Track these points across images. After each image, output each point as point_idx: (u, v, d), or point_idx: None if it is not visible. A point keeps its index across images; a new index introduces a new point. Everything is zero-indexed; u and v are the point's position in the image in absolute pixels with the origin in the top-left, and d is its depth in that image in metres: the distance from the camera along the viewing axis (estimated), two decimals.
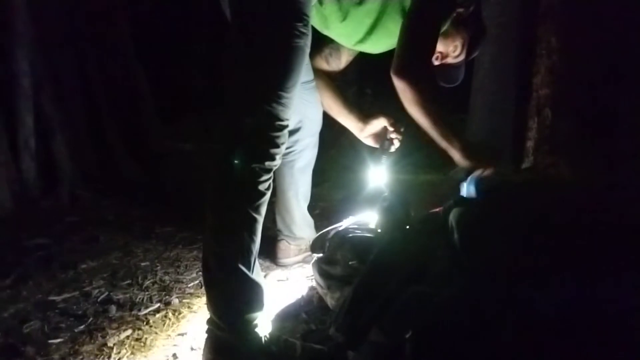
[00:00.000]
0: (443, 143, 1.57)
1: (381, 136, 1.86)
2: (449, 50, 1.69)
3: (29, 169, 2.80)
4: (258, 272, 1.42)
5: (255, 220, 1.37)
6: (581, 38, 1.18)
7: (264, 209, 1.39)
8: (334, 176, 2.83)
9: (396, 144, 1.83)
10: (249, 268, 1.37)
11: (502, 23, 2.78)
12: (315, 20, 1.57)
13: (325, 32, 1.69)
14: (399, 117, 1.76)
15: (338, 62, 1.87)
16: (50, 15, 2.94)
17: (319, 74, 1.86)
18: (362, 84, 3.62)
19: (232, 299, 1.38)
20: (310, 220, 2.07)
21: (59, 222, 2.57)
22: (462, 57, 1.72)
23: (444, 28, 1.62)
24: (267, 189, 1.38)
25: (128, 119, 3.28)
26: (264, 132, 1.33)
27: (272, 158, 1.35)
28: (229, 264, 1.35)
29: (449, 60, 1.72)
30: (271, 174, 1.38)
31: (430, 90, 1.50)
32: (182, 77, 3.88)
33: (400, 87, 1.50)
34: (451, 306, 1.01)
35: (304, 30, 1.34)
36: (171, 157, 3.30)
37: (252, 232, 1.37)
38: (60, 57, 3.00)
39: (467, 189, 1.47)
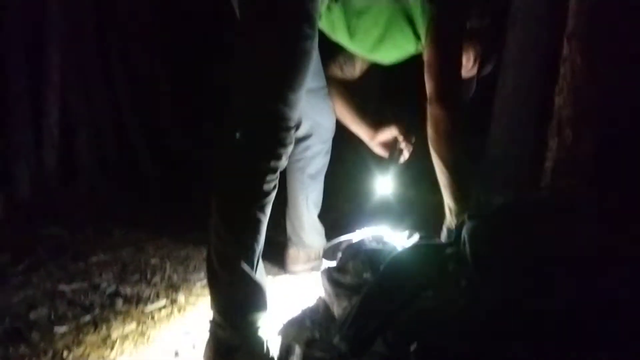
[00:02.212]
0: (452, 189, 1.54)
1: (391, 146, 1.85)
2: None
3: (50, 158, 2.86)
4: (262, 273, 1.42)
5: (259, 220, 1.37)
6: (607, 59, 1.17)
7: (268, 209, 1.39)
8: (347, 187, 2.82)
9: (406, 154, 1.82)
10: (252, 268, 1.37)
11: (525, 46, 2.78)
12: (325, 27, 1.58)
13: (336, 40, 1.69)
14: (411, 128, 1.75)
15: (352, 70, 1.88)
16: (79, 11, 3.03)
17: (332, 81, 1.87)
18: (382, 101, 3.63)
19: (234, 299, 1.37)
20: (320, 229, 2.06)
21: (74, 213, 2.61)
22: (474, 72, 1.72)
23: None
24: (273, 188, 1.38)
25: (149, 117, 3.34)
26: (270, 132, 1.33)
27: (278, 157, 1.35)
28: (232, 264, 1.35)
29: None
30: (277, 173, 1.38)
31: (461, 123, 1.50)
32: (203, 79, 3.94)
33: (440, 115, 1.50)
34: (459, 321, 0.99)
35: (310, 31, 1.34)
36: (188, 157, 3.34)
37: (257, 232, 1.37)
38: (88, 54, 3.08)
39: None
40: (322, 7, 1.46)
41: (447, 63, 1.51)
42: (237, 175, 1.35)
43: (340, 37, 1.67)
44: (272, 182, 1.36)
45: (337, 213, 2.65)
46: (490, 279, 0.95)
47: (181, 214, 2.63)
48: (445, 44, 1.50)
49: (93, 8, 3.10)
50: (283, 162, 1.37)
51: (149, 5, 3.48)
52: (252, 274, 1.36)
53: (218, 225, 1.35)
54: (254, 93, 1.34)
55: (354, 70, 1.88)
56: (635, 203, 1.06)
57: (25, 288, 1.87)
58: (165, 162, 3.27)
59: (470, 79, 1.74)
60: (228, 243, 1.34)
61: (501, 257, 0.93)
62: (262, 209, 1.36)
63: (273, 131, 1.33)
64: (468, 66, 1.69)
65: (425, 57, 1.54)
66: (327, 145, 1.94)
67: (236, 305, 1.37)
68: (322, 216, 2.07)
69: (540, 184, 1.55)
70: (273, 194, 1.38)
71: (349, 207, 2.68)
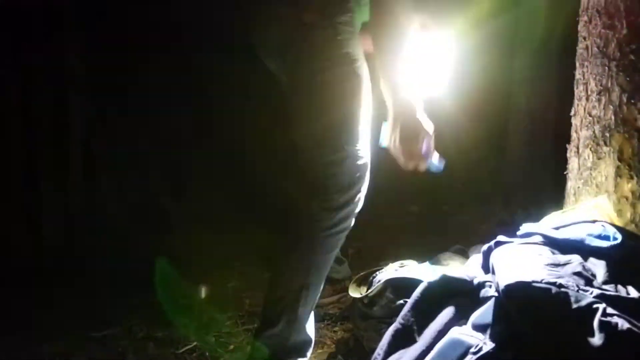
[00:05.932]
0: (386, 73, 1.29)
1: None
2: None
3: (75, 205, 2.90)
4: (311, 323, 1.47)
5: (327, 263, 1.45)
6: (620, 81, 1.19)
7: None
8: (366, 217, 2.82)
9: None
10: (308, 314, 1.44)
11: (539, 66, 2.80)
12: None
13: None
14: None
15: None
16: None
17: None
18: None
19: (286, 345, 1.41)
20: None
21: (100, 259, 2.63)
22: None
23: None
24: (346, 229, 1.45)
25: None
26: (347, 172, 1.37)
27: (355, 203, 1.41)
28: (292, 309, 1.40)
29: None
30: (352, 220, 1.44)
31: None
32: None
33: None
34: (494, 353, 0.98)
35: (359, 71, 1.38)
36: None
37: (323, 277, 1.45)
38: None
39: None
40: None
41: None
42: (309, 227, 1.40)
43: None
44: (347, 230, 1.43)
45: (359, 242, 2.65)
46: (523, 308, 0.95)
47: (206, 251, 2.64)
48: None
49: None
50: (358, 207, 1.42)
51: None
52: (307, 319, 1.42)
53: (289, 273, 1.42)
54: (320, 142, 1.37)
55: None
56: None
57: (59, 336, 1.89)
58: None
59: None
60: (302, 297, 1.40)
61: (530, 286, 0.94)
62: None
63: (350, 171, 1.36)
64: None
65: None
66: None
67: (288, 349, 1.41)
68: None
69: (562, 204, 1.55)
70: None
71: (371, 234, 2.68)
